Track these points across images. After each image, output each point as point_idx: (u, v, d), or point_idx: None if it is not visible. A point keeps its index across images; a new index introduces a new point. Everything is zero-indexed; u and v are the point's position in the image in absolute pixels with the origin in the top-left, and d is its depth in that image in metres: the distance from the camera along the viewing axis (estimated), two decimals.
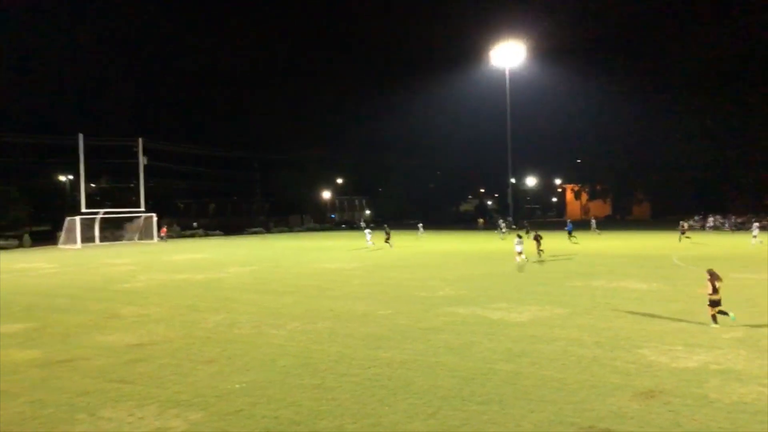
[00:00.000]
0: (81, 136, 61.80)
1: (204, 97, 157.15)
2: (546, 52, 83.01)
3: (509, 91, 74.70)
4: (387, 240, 45.20)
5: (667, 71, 79.94)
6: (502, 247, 42.40)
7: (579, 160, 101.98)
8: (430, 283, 23.67)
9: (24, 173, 78.34)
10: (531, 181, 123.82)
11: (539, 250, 32.64)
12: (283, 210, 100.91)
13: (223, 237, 73.08)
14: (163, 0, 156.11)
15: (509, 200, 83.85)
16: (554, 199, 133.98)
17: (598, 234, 56.10)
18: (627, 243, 44.14)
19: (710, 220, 61.40)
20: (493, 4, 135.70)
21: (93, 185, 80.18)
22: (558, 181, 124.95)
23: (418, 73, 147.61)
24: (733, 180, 77.02)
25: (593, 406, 9.03)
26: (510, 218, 71.47)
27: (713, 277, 14.21)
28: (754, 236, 39.65)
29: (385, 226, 54.24)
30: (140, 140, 68.76)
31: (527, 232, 47.54)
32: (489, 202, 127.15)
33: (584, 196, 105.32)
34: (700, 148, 75.57)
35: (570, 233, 46.30)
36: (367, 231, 48.04)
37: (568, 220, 51.14)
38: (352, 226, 61.43)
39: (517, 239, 31.31)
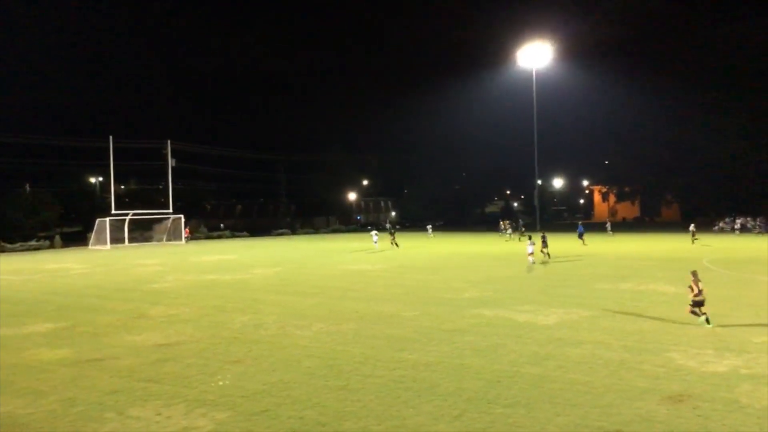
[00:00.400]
0: (111, 139, 62.74)
1: (232, 99, 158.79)
2: (573, 52, 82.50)
3: (536, 92, 74.26)
4: (393, 241, 46.41)
5: (698, 69, 78.62)
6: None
7: (607, 162, 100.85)
8: (455, 284, 23.60)
9: (55, 175, 79.92)
10: (558, 183, 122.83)
11: (544, 252, 32.96)
12: (309, 211, 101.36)
13: (250, 238, 73.60)
14: (192, 3, 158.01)
15: (535, 202, 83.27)
16: (581, 201, 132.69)
17: (612, 235, 56.16)
18: (655, 245, 43.55)
19: (737, 222, 60.20)
20: (520, 6, 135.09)
21: (122, 187, 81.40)
22: (585, 183, 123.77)
23: (444, 75, 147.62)
24: (766, 180, 75.50)
25: (620, 410, 8.93)
26: (520, 221, 71.21)
27: (696, 280, 14.64)
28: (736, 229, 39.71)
29: (389, 226, 55.20)
30: (168, 142, 69.60)
31: (522, 234, 48.00)
32: (515, 204, 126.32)
33: (612, 198, 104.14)
34: (732, 147, 74.23)
35: (581, 236, 46.61)
36: (373, 233, 49.28)
37: (580, 224, 51.40)
38: (377, 227, 61.52)
39: (528, 241, 31.97)
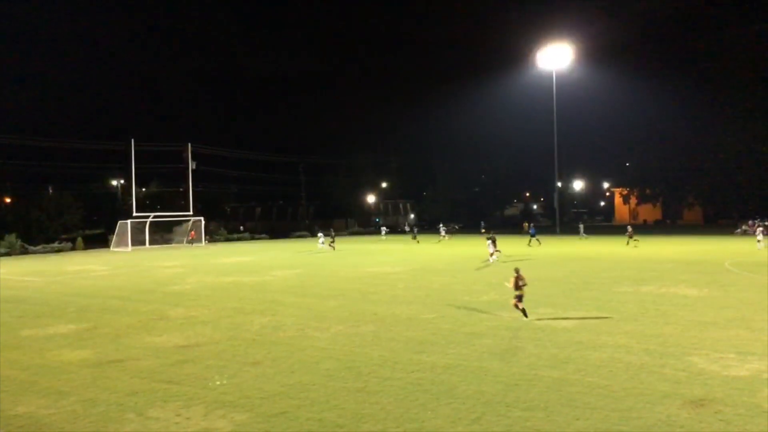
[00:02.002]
0: (132, 142, 63.37)
1: (252, 101, 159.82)
2: (593, 53, 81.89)
3: (556, 94, 73.84)
4: (332, 243, 49.69)
5: (723, 70, 77.61)
6: (546, 252, 41.85)
7: (628, 164, 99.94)
8: (474, 287, 23.52)
9: (78, 178, 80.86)
10: (578, 185, 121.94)
11: (495, 252, 35.41)
12: (328, 214, 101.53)
13: (269, 240, 73.91)
14: (211, 8, 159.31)
15: (555, 204, 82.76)
16: (602, 203, 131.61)
17: (582, 239, 56.82)
18: (678, 248, 43.07)
19: (741, 227, 59.27)
20: (540, 7, 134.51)
21: (143, 190, 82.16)
22: (606, 185, 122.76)
23: (464, 76, 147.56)
24: None
25: (641, 415, 8.84)
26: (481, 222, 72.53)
27: (518, 277, 16.36)
28: (759, 240, 40.36)
29: (331, 230, 57.15)
30: (189, 145, 70.15)
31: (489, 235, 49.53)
32: (535, 206, 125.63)
33: (633, 201, 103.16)
34: (756, 150, 73.27)
35: (533, 236, 49.39)
36: (320, 234, 54.34)
37: (532, 225, 53.88)
38: (396, 230, 61.44)
39: (489, 242, 35.66)
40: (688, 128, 79.84)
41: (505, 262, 33.00)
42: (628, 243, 46.61)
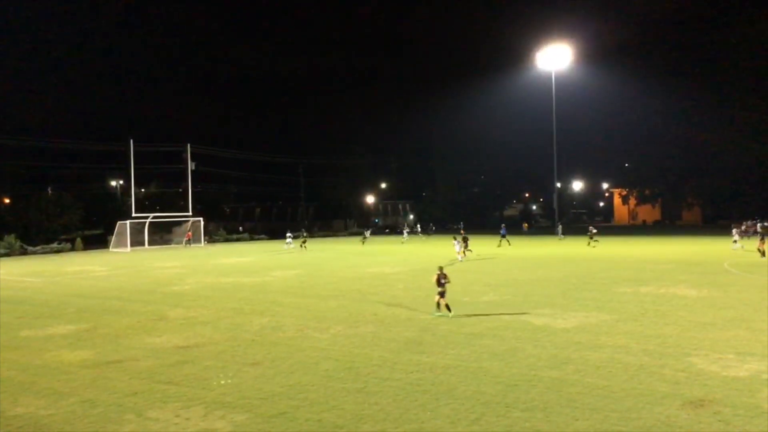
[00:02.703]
0: (131, 143, 63.35)
1: (251, 102, 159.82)
2: (593, 54, 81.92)
3: (555, 94, 73.88)
4: (303, 244, 51.76)
5: (721, 70, 77.58)
6: (550, 252, 41.87)
7: (627, 164, 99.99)
8: (473, 288, 23.51)
9: (77, 179, 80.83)
10: (578, 186, 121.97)
11: (465, 251, 37.53)
12: (327, 214, 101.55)
13: (268, 241, 73.87)
14: (210, 8, 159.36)
15: (555, 205, 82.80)
16: (602, 204, 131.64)
17: (560, 239, 57.45)
18: (677, 249, 43.08)
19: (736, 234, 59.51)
20: (539, 8, 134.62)
21: (143, 190, 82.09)
22: (605, 186, 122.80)
23: (462, 77, 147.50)
24: None
25: (640, 415, 8.85)
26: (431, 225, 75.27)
27: (441, 275, 17.30)
28: (734, 241, 40.72)
29: (303, 231, 58.01)
30: (188, 146, 70.13)
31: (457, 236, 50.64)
32: (534, 207, 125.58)
33: (632, 201, 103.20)
34: (755, 150, 73.26)
35: (503, 237, 50.31)
36: (288, 235, 56.87)
37: (503, 225, 53.61)
38: (395, 230, 61.45)
39: (455, 241, 37.99)
40: (687, 128, 79.85)
41: (477, 260, 33.02)
42: (588, 243, 47.15)
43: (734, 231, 42.74)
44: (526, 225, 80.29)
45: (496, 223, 60.10)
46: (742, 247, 38.79)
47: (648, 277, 25.89)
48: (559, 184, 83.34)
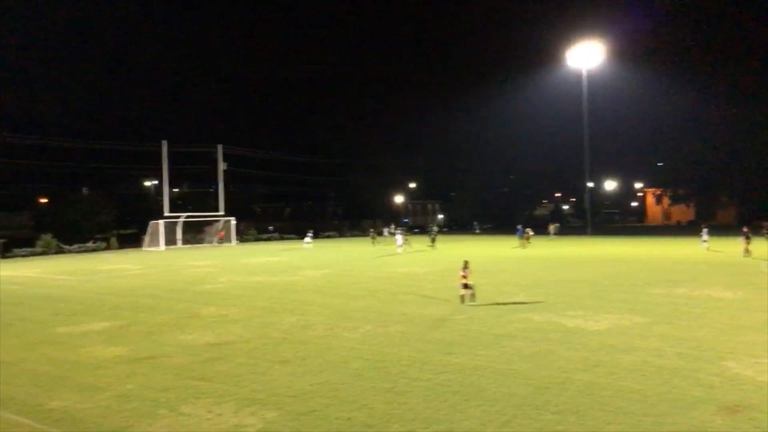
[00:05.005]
0: (165, 143, 64.25)
1: (281, 103, 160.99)
2: (625, 51, 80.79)
3: (586, 93, 73.05)
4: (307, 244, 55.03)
5: (756, 69, 75.95)
6: (581, 253, 41.42)
7: (660, 163, 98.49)
8: (504, 288, 23.36)
9: (112, 179, 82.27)
10: (610, 185, 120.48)
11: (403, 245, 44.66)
12: (357, 214, 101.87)
13: (298, 240, 74.31)
14: (241, 8, 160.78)
15: (586, 205, 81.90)
16: (634, 204, 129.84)
17: (551, 239, 56.90)
18: (711, 249, 42.26)
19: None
20: (570, 5, 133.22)
21: (176, 190, 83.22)
22: (638, 185, 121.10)
23: (492, 76, 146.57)
24: None
25: (674, 420, 8.70)
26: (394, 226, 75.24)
27: (466, 267, 18.88)
28: (704, 241, 41.68)
29: (436, 230, 57.45)
30: (219, 147, 70.93)
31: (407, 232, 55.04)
32: (565, 207, 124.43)
33: (665, 201, 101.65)
34: None
35: (521, 237, 50.60)
36: (308, 235, 60.31)
37: (519, 227, 53.15)
38: (424, 230, 61.23)
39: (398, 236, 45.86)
40: (721, 127, 78.32)
41: (506, 260, 32.67)
42: (524, 245, 48.03)
43: (704, 230, 43.39)
44: (554, 226, 79.56)
45: (526, 223, 59.45)
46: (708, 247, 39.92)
47: (682, 278, 25.46)
48: (590, 184, 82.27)
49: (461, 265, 19.24)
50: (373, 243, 58.62)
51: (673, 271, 28.22)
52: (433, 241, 52.27)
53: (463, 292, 19.04)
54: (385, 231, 65.14)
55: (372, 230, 63.95)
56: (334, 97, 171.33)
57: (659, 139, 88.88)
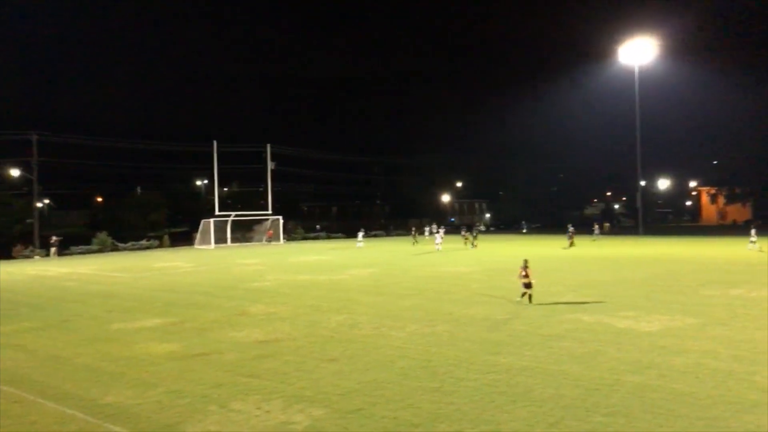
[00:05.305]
0: (215, 144, 65.43)
1: (329, 103, 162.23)
2: (679, 47, 78.93)
3: (639, 90, 71.43)
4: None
5: None
6: (632, 253, 40.56)
7: (716, 162, 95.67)
8: (552, 288, 23.06)
9: (164, 179, 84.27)
10: (663, 184, 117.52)
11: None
12: (403, 213, 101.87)
13: (345, 239, 74.76)
14: (291, 11, 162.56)
15: (638, 204, 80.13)
16: (688, 203, 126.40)
17: (593, 240, 55.39)
18: (763, 250, 40.92)
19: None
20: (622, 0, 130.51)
21: (225, 189, 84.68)
22: (692, 184, 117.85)
23: (541, 74, 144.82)
24: None
25: (728, 424, 8.47)
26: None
27: (526, 266, 19.06)
28: (752, 241, 39.97)
29: (482, 228, 56.87)
30: (268, 146, 71.82)
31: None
32: (616, 206, 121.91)
33: (720, 200, 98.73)
34: None
35: (570, 237, 49.90)
36: (360, 234, 59.64)
37: (570, 226, 52.04)
38: (470, 229, 60.87)
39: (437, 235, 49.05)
40: None
41: (555, 260, 32.13)
42: (570, 245, 47.91)
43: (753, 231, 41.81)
44: (607, 225, 78.14)
45: (575, 223, 58.41)
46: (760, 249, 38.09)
47: (738, 279, 24.70)
48: (643, 183, 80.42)
49: (521, 264, 19.38)
50: (414, 242, 58.93)
51: (729, 272, 27.40)
52: (474, 239, 52.63)
53: (525, 290, 19.12)
54: (426, 231, 64.84)
55: (414, 229, 64.07)
56: (382, 96, 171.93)
57: (714, 137, 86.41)
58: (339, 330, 15.94)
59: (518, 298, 19.27)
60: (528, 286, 19.04)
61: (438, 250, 46.50)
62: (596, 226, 62.60)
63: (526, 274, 19.02)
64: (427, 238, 61.79)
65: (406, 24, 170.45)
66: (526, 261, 19.36)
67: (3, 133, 60.44)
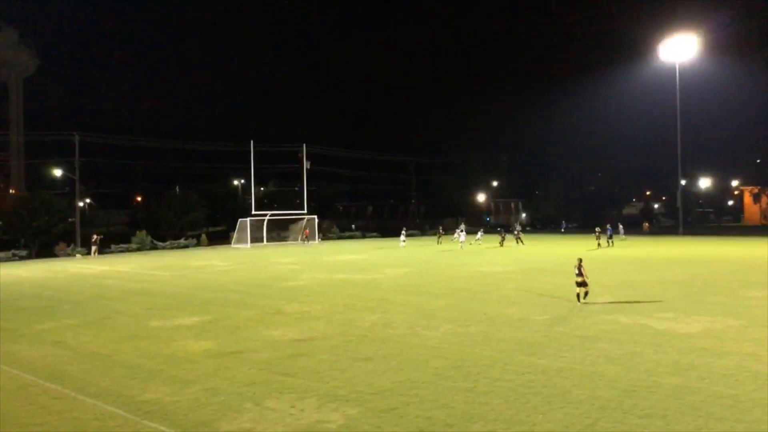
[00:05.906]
0: (252, 144, 66.08)
1: (364, 103, 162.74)
2: (721, 44, 76.96)
3: (679, 87, 70.00)
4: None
5: None
6: (670, 253, 39.80)
7: (759, 160, 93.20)
8: (589, 289, 22.71)
9: (202, 178, 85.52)
10: (704, 183, 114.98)
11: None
12: (438, 212, 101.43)
13: (380, 239, 74.87)
14: (326, 10, 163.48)
15: (678, 204, 78.58)
16: (730, 203, 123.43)
17: (623, 239, 54.29)
18: None
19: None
20: None
21: (262, 189, 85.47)
22: (735, 183, 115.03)
23: (580, 71, 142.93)
24: None
25: None
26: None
27: (581, 265, 18.99)
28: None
29: (519, 228, 58.31)
30: (304, 146, 72.27)
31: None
32: (656, 205, 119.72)
33: (765, 200, 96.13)
34: None
35: (609, 237, 49.14)
36: (403, 233, 58.58)
37: (608, 226, 51.11)
38: (507, 228, 60.18)
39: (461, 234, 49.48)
40: None
41: (591, 260, 31.63)
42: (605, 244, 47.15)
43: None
44: (647, 225, 76.79)
45: (614, 223, 57.36)
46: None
47: None
48: (683, 182, 78.78)
49: (575, 263, 19.38)
50: (439, 242, 59.73)
51: None
52: (518, 238, 52.78)
53: (578, 290, 19.18)
54: (457, 231, 64.65)
55: (440, 228, 64.79)
56: (417, 96, 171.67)
57: (758, 135, 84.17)
58: (373, 329, 15.97)
59: (583, 300, 19.17)
60: (581, 284, 19.08)
61: (461, 249, 47.49)
62: (621, 226, 61.30)
63: (580, 272, 18.98)
64: (453, 239, 61.49)
65: (444, 22, 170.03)
66: (580, 260, 19.29)
67: (46, 134, 62.15)
